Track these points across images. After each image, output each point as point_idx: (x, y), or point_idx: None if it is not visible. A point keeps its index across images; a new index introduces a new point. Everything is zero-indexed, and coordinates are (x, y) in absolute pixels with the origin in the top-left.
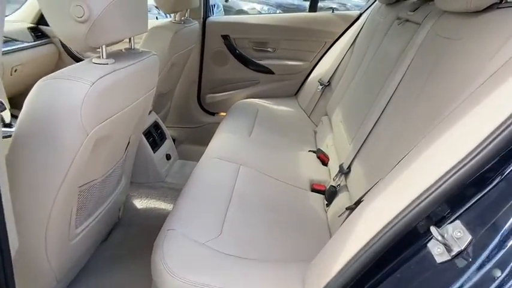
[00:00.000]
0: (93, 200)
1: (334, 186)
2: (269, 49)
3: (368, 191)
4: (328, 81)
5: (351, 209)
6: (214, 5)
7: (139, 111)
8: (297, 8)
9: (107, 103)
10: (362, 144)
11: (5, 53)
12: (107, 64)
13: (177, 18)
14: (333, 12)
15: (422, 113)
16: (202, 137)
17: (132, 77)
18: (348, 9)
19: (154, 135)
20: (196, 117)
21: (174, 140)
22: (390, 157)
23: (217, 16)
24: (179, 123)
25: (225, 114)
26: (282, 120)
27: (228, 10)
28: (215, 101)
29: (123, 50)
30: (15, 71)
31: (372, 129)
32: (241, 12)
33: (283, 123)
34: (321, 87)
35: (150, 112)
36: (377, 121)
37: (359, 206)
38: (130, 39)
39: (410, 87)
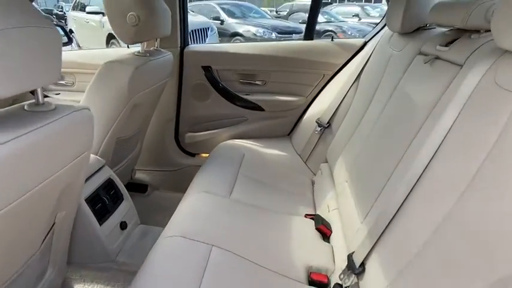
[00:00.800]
0: None
1: (340, 286)
2: (258, 82)
3: None
4: (328, 122)
5: None
6: (208, 28)
7: (56, 190)
8: (292, 31)
9: None
10: (381, 234)
11: None
12: None
13: (141, 50)
14: (332, 40)
15: (486, 214)
16: (180, 182)
17: (27, 153)
18: (344, 31)
19: (104, 199)
20: (173, 159)
21: (147, 186)
22: (429, 265)
23: (196, 44)
24: (153, 165)
25: (206, 155)
26: (272, 169)
27: (222, 33)
28: (195, 141)
29: (25, 108)
30: None
31: (395, 214)
32: (236, 34)
33: (274, 172)
34: (320, 128)
35: (100, 169)
36: (403, 202)
37: None
38: (35, 91)
39: (457, 162)
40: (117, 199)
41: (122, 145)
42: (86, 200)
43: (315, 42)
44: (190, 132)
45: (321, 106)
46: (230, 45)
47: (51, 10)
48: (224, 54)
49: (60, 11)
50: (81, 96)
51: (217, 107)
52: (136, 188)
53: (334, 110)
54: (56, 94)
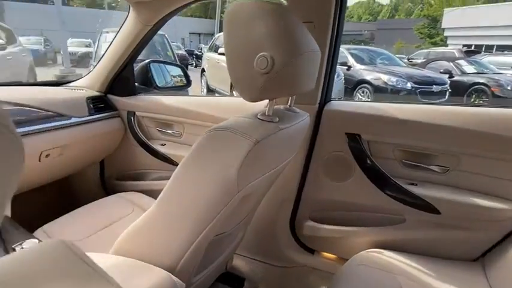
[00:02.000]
0: None
1: None
2: (435, 168)
3: None
4: None
5: None
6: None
7: None
8: (433, 81)
9: None
10: None
11: (32, 133)
12: None
13: (267, 111)
14: None
15: None
16: (289, 285)
17: None
18: (501, 85)
19: None
20: (283, 251)
21: (243, 280)
22: None
23: (342, 101)
24: (256, 253)
25: (331, 256)
26: None
27: (348, 80)
28: (318, 235)
29: None
30: (47, 156)
31: None
32: (363, 82)
33: None
34: None
35: None
36: None
37: None
38: None
39: None
40: None
41: (219, 241)
42: None
43: None
44: (313, 220)
45: None
46: (395, 107)
47: (193, 51)
48: (382, 119)
49: (199, 52)
50: (187, 151)
51: (359, 193)
52: (230, 280)
53: None
54: (162, 145)
